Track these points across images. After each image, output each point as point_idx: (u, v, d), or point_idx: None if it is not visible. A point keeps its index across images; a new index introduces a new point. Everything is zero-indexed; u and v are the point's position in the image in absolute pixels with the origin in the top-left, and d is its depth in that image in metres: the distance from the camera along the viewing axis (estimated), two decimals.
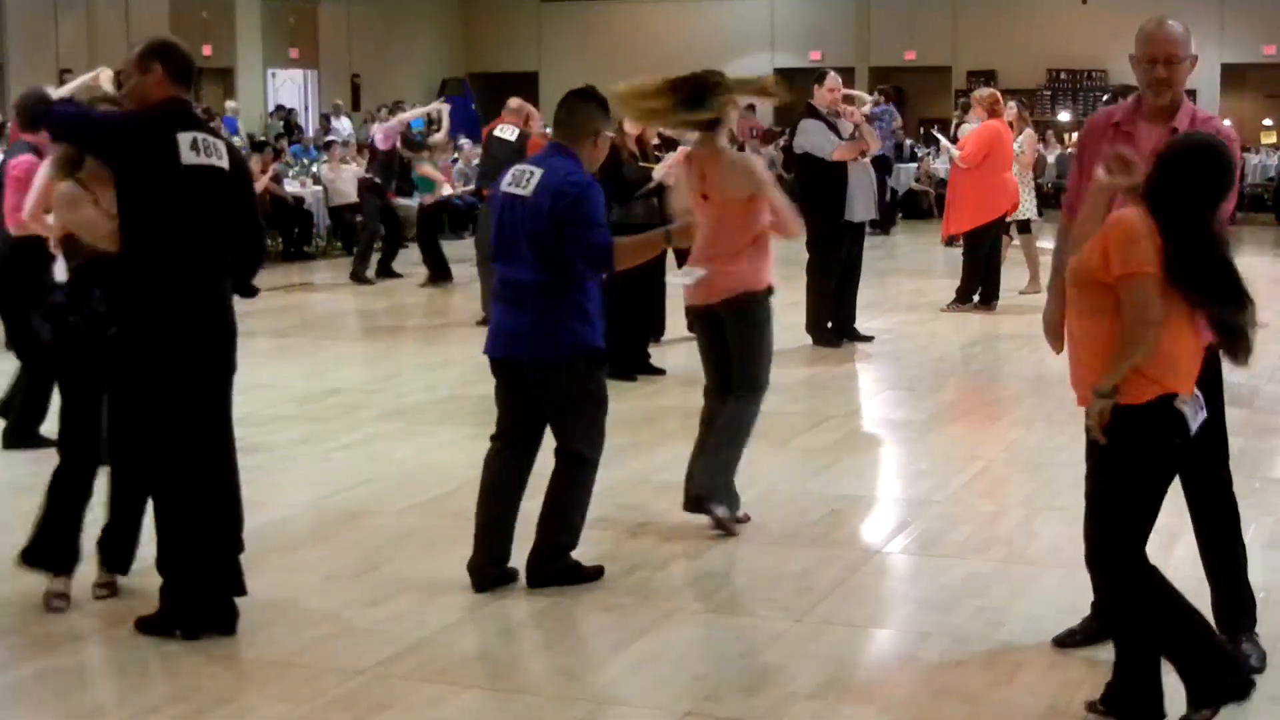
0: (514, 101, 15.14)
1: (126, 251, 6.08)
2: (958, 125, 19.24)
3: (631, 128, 11.47)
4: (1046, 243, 19.57)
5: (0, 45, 25.90)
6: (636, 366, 11.62)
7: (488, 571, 6.68)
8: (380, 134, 19.27)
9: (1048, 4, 32.44)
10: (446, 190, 19.92)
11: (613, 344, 11.64)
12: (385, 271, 18.72)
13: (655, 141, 11.73)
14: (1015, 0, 32.95)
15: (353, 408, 10.88)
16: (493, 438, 6.96)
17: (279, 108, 30.31)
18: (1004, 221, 15.73)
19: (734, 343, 7.52)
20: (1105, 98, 24.40)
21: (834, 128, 12.86)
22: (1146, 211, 4.89)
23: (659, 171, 11.34)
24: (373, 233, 18.67)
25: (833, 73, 13.39)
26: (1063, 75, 32.77)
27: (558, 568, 6.73)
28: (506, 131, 14.49)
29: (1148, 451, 5.07)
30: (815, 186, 12.75)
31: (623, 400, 10.85)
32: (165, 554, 6.18)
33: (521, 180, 6.59)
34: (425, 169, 19.31)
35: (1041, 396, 11.11)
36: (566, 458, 6.81)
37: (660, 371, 11.72)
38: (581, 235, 6.48)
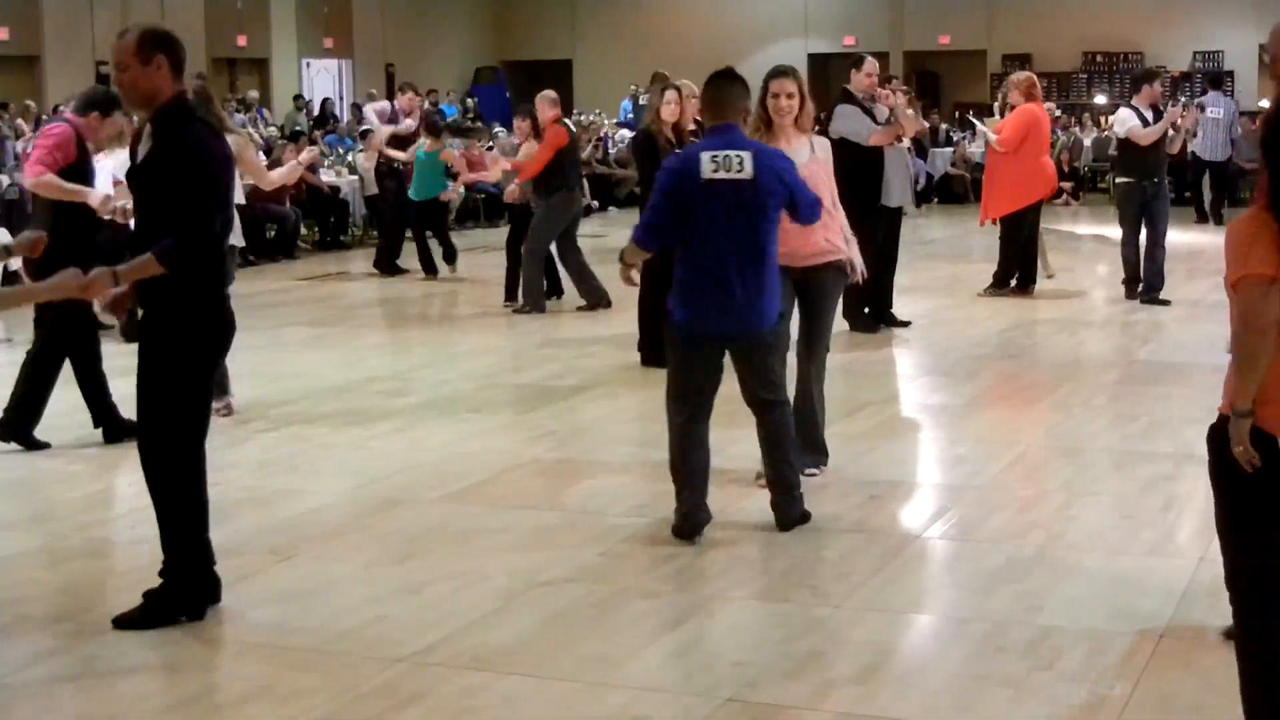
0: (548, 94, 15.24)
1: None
2: (1003, 108, 19.15)
3: (669, 114, 11.45)
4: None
5: (37, 38, 25.99)
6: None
7: (701, 512, 7.19)
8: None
9: None
10: (451, 190, 19.09)
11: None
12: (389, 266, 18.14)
13: (691, 127, 11.67)
14: None
15: (389, 396, 10.88)
16: (682, 408, 7.24)
17: (297, 97, 30.25)
18: (1041, 206, 15.67)
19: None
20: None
21: (869, 113, 12.81)
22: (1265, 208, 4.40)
23: None
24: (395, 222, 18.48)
25: (870, 58, 13.33)
26: (1098, 58, 32.63)
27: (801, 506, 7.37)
28: None
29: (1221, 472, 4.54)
30: (851, 171, 12.68)
31: (662, 387, 10.85)
32: (173, 540, 6.18)
33: (729, 166, 6.87)
34: (448, 154, 18.88)
35: (1079, 381, 11.08)
36: (775, 407, 7.33)
37: None
38: (806, 194, 7.21)
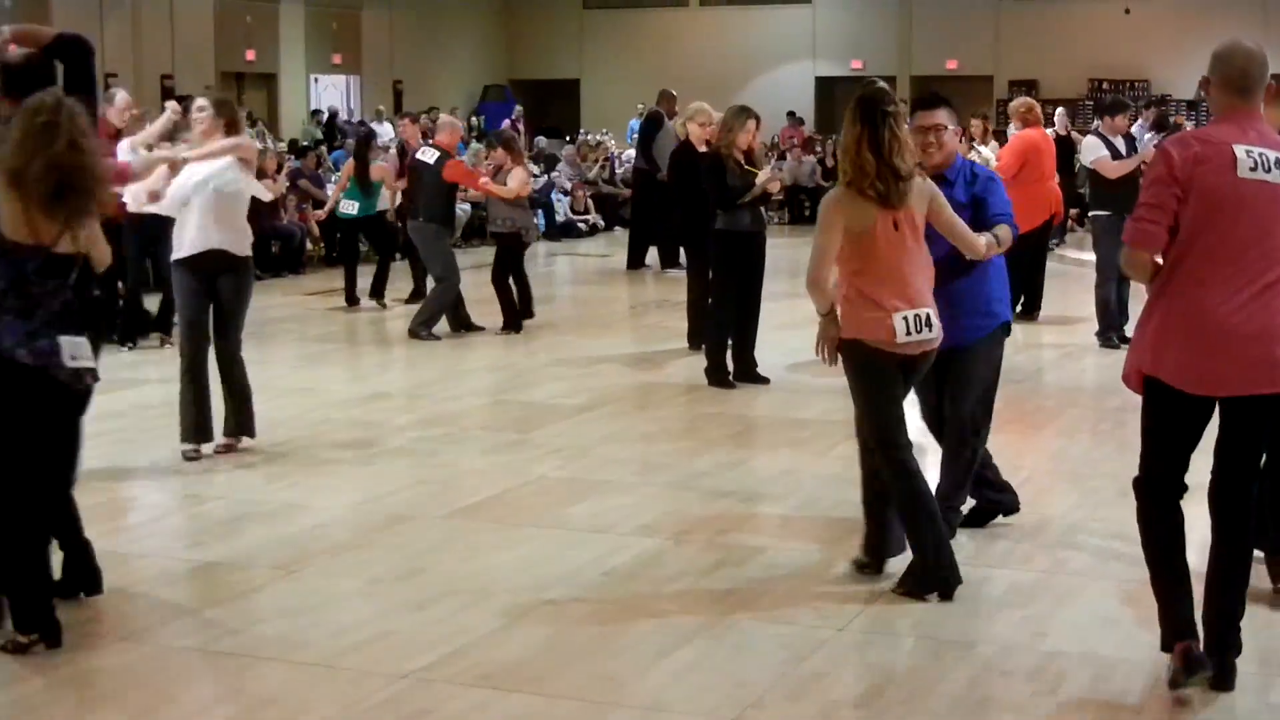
0: (446, 119, 15.13)
1: None
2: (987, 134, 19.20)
3: (745, 139, 11.49)
4: None
5: None
6: (742, 374, 11.75)
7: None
8: None
9: (1090, 14, 32.38)
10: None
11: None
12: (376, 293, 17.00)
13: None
14: (1058, 10, 32.89)
15: (396, 412, 10.91)
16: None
17: (315, 112, 30.37)
18: (1046, 231, 15.69)
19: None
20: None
21: None
22: None
23: (762, 178, 11.40)
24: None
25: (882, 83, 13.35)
26: (1105, 85, 32.68)
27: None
28: (427, 155, 14.59)
29: None
30: None
31: (669, 406, 10.88)
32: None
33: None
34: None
35: (1084, 407, 11.09)
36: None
37: (764, 380, 11.74)
38: None
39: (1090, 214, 14.37)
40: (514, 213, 14.37)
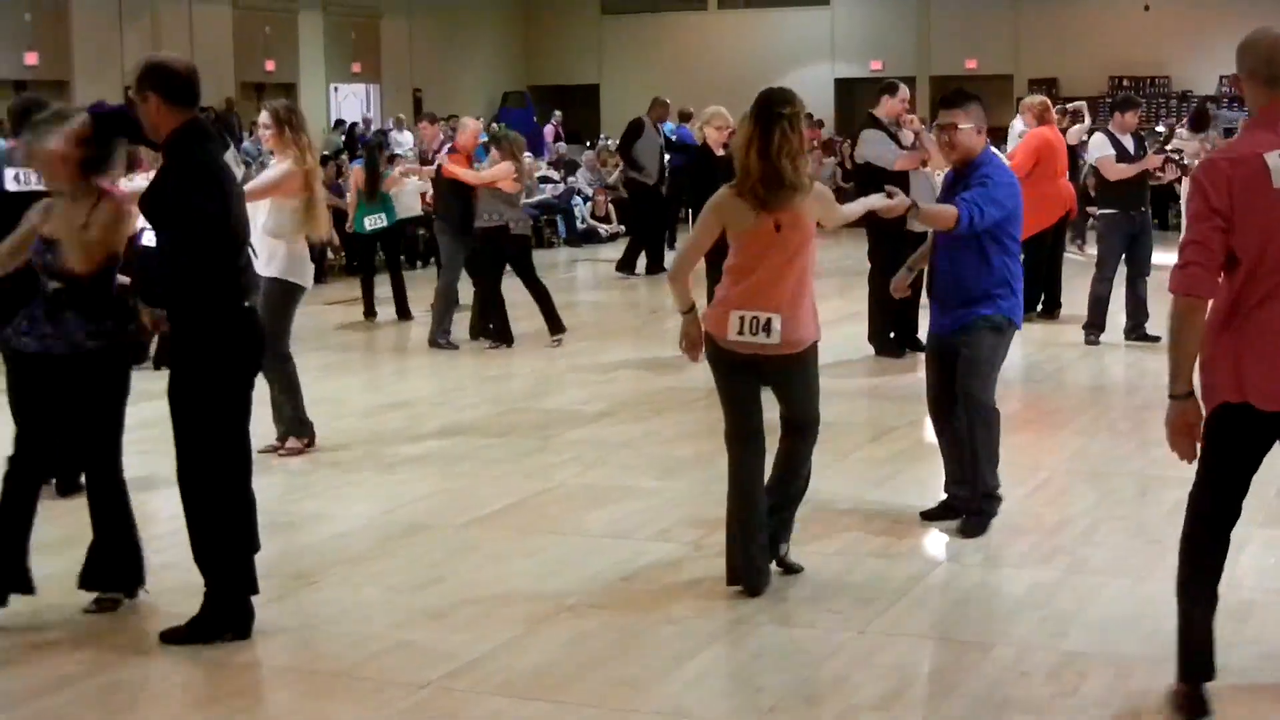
0: (465, 120, 15.09)
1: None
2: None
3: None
4: None
5: (67, 62, 26.14)
6: None
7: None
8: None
9: (1109, 11, 32.32)
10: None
11: None
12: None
13: (720, 153, 11.75)
14: (1077, 7, 32.82)
15: (415, 421, 10.93)
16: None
17: (339, 122, 30.46)
18: (1063, 228, 15.66)
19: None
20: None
21: (895, 138, 12.85)
22: None
23: None
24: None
25: (904, 86, 13.36)
26: (1125, 82, 32.61)
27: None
28: (444, 158, 14.65)
29: None
30: None
31: (687, 412, 10.88)
32: (210, 557, 6.23)
33: None
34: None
35: (1103, 406, 11.08)
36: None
37: None
38: None
39: (1099, 211, 14.12)
40: (499, 206, 13.83)
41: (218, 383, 6.15)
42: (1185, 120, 22.23)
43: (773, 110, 6.64)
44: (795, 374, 6.82)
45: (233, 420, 6.26)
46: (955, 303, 7.67)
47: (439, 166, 14.45)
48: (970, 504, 7.75)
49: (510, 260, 14.01)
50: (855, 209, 7.36)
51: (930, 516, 7.93)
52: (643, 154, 21.55)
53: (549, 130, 30.69)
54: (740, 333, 6.65)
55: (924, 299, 8.83)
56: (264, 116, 9.77)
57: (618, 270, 20.66)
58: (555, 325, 14.18)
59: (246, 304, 6.28)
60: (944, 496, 7.96)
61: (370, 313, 16.64)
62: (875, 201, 7.44)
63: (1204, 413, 5.11)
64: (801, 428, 6.91)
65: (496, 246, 13.96)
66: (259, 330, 6.39)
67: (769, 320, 6.63)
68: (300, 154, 9.37)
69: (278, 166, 9.53)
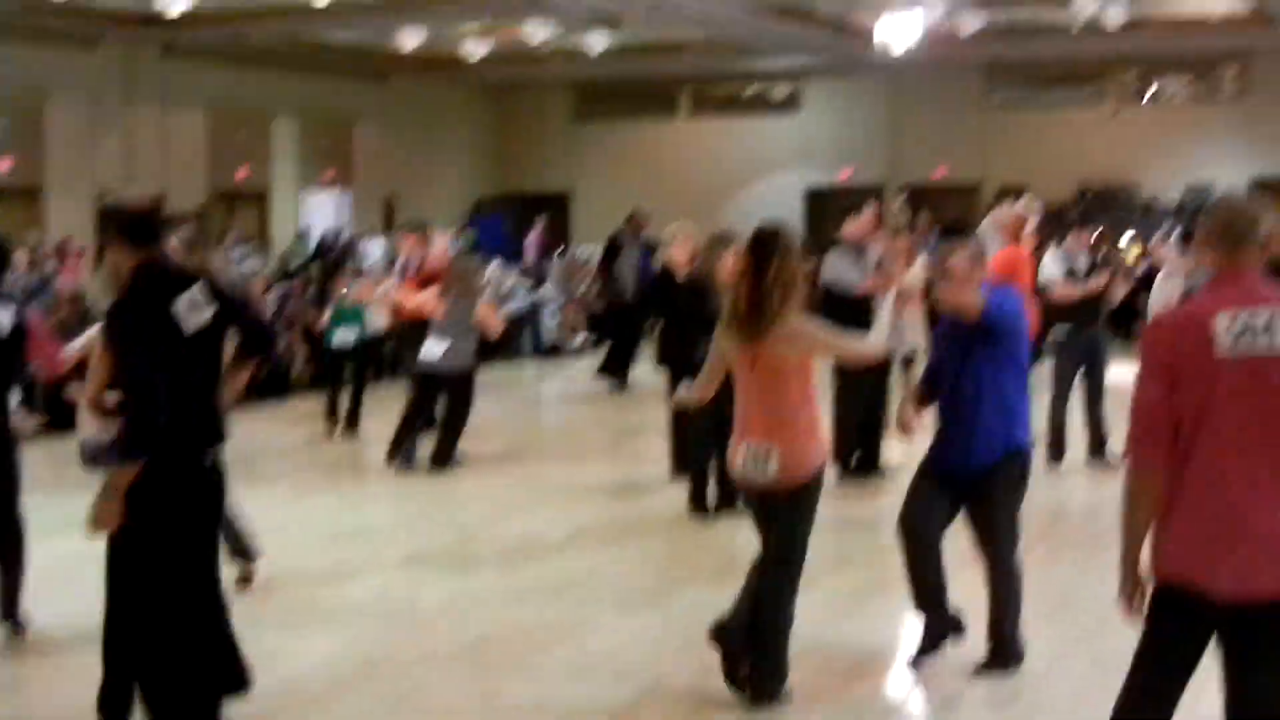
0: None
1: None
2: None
3: (722, 270, 11.50)
4: None
5: (40, 169, 26.07)
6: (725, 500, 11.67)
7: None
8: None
9: (1078, 119, 32.56)
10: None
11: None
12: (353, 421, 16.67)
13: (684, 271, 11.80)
14: (1046, 116, 33.09)
15: (377, 548, 10.85)
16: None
17: (302, 234, 29.99)
18: (1036, 349, 15.63)
19: None
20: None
21: (861, 256, 12.87)
22: None
23: None
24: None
25: (873, 201, 13.43)
26: (1089, 195, 32.80)
27: None
28: None
29: None
30: (842, 319, 12.69)
31: (650, 535, 10.84)
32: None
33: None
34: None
35: (1063, 536, 11.04)
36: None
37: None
38: None
39: (1053, 329, 13.81)
40: (436, 339, 13.97)
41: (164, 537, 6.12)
42: (1169, 233, 22.08)
43: (767, 245, 6.84)
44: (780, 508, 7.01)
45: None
46: (986, 429, 7.47)
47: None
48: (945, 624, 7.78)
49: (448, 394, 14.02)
50: (854, 347, 7.45)
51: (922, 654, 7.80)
52: (622, 272, 21.73)
53: (532, 237, 30.58)
54: (743, 465, 6.94)
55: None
56: None
57: (601, 373, 20.59)
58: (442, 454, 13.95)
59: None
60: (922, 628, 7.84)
61: (335, 426, 16.53)
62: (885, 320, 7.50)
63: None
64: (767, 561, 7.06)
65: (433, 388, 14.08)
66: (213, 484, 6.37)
67: (768, 450, 6.83)
68: None
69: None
